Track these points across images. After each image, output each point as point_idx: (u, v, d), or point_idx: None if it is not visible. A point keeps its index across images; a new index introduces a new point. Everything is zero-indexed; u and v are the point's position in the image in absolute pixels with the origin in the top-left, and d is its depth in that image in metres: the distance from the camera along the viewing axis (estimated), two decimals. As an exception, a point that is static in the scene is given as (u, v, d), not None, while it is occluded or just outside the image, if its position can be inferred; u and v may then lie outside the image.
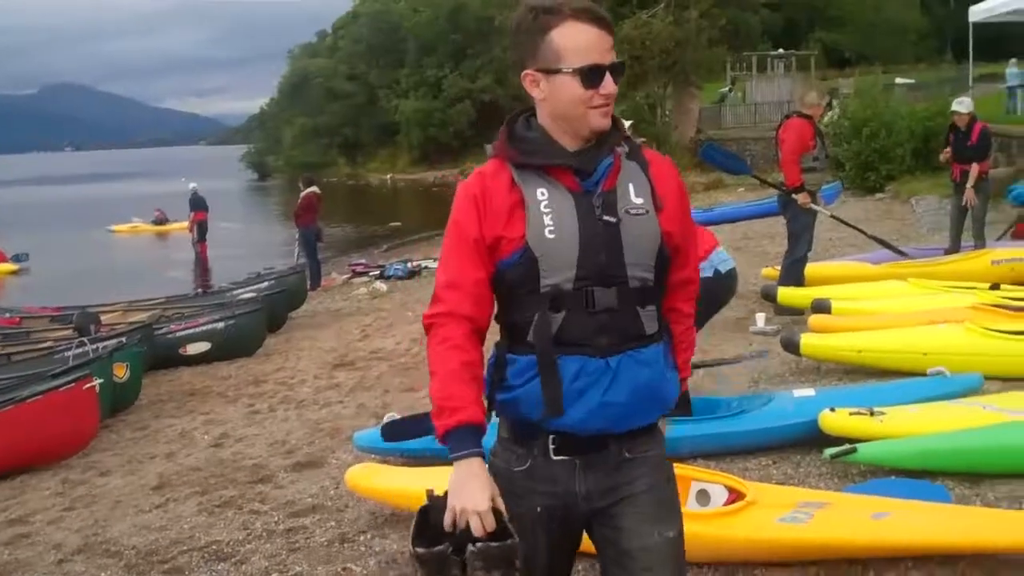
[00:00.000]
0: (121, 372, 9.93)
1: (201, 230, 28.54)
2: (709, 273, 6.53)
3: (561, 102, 2.50)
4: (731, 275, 7.13)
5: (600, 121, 2.49)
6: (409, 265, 20.04)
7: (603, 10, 2.51)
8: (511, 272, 2.48)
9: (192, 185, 29.49)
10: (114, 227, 39.06)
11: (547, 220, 2.45)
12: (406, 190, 57.89)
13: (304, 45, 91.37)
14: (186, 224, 30.07)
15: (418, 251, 24.75)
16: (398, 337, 12.05)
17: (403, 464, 6.08)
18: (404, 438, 5.98)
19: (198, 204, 28.68)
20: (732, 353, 8.14)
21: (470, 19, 64.61)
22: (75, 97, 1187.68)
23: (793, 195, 9.81)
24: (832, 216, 11.92)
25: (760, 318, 9.09)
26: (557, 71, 2.48)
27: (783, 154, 9.91)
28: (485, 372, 2.54)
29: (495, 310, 2.57)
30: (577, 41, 2.45)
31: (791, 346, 7.30)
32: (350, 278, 20.27)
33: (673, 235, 2.56)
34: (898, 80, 42.34)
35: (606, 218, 2.47)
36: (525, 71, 2.57)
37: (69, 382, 8.52)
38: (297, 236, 20.16)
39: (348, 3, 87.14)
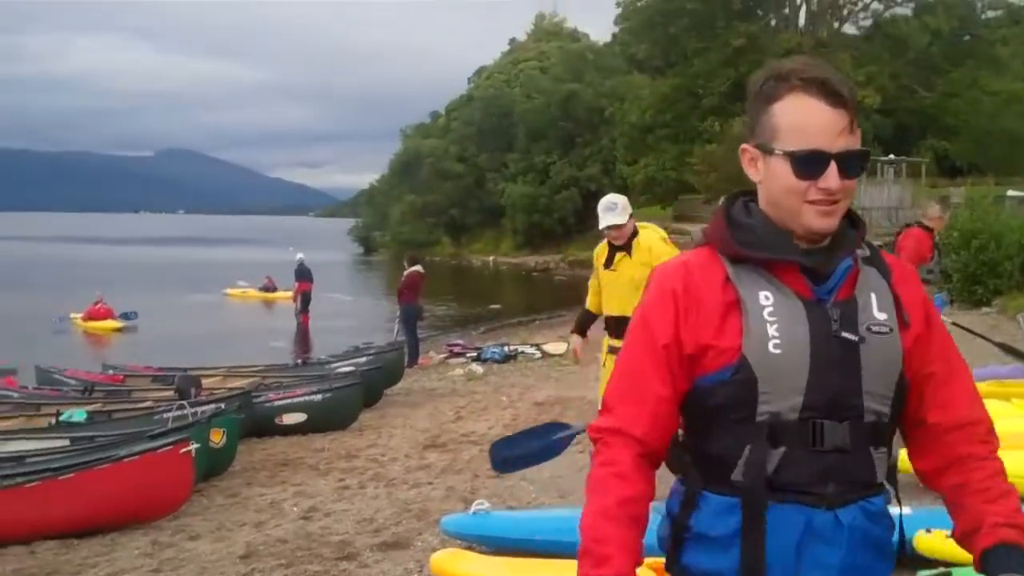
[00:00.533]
0: (218, 437, 10.04)
1: (305, 300, 29.08)
2: None
3: (773, 191, 2.06)
4: None
5: (818, 221, 2.02)
6: (506, 349, 20.05)
7: (848, 83, 2.05)
8: (718, 392, 2.02)
9: (299, 255, 30.08)
10: (228, 290, 39.91)
11: (772, 331, 1.99)
12: (508, 273, 58.22)
13: (417, 125, 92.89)
14: (291, 293, 30.70)
15: (516, 335, 24.81)
16: (491, 421, 12.05)
17: (490, 553, 6.05)
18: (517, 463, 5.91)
19: (303, 274, 29.26)
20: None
21: (581, 108, 65.32)
22: (188, 162, 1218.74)
23: None
24: (953, 324, 11.68)
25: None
26: (771, 151, 2.04)
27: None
28: (666, 512, 2.14)
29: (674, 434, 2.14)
30: (798, 118, 2.00)
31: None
32: (447, 358, 20.36)
33: (916, 360, 2.09)
34: (1010, 192, 41.70)
35: (845, 335, 2.00)
36: (743, 145, 2.13)
37: (167, 444, 8.64)
38: (398, 313, 20.36)
39: (463, 86, 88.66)
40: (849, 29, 41.06)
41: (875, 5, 41.14)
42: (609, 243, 7.25)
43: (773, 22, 40.93)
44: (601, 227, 7.16)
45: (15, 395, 14.96)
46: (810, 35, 38.63)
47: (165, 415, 11.00)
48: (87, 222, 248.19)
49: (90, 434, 11.04)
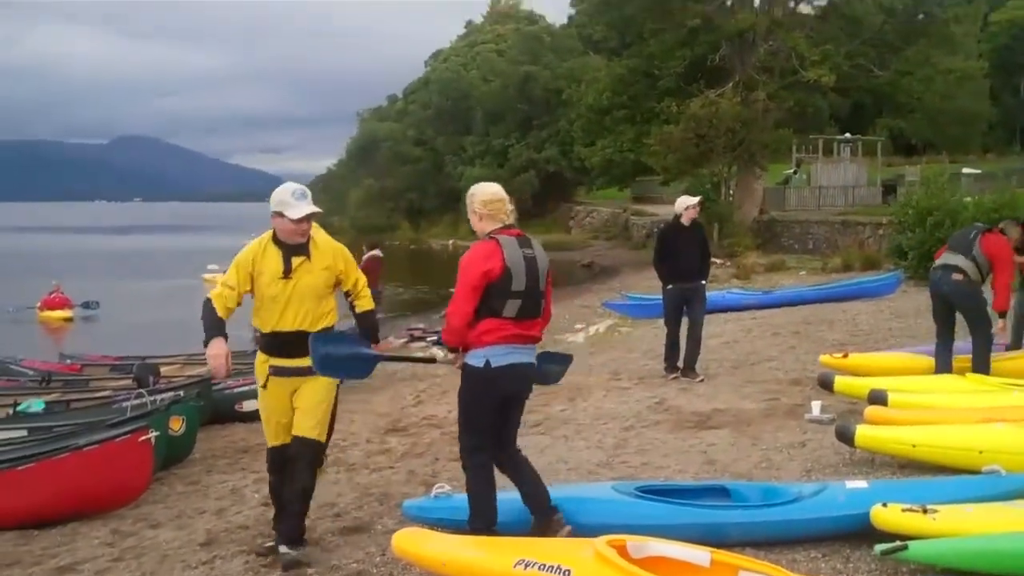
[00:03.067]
0: (177, 425, 10.02)
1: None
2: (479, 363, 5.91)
3: None
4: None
5: None
6: (466, 332, 20.00)
7: None
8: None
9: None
10: (206, 276, 39.69)
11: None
12: (467, 256, 58.13)
13: (374, 109, 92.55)
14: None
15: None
16: (451, 405, 12.00)
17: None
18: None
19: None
20: (787, 440, 8.13)
21: (538, 90, 65.38)
22: (145, 149, 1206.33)
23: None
24: None
25: (816, 406, 9.02)
26: None
27: (1005, 278, 9.72)
28: None
29: None
30: None
31: (846, 437, 7.22)
32: (407, 342, 20.35)
33: None
34: (965, 170, 42.20)
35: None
36: None
37: (125, 433, 8.60)
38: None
39: (420, 70, 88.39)
40: (804, 9, 41.11)
41: (830, -16, 41.27)
42: (280, 243, 6.26)
43: (728, 2, 40.93)
44: (296, 218, 6.14)
45: (-29, 386, 14.83)
46: (765, 15, 38.63)
47: (124, 404, 10.96)
48: (42, 211, 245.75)
49: (48, 424, 10.98)
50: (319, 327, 6.28)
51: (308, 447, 6.26)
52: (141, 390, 11.53)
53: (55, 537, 8.02)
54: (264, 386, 6.38)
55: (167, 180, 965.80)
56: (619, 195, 61.14)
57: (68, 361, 17.18)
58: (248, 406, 12.91)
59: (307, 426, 6.25)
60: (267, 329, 6.30)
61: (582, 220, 61.35)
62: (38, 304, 29.73)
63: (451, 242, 66.21)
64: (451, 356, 6.12)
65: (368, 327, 6.79)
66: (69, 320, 29.38)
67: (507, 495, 6.07)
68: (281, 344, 6.26)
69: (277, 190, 6.32)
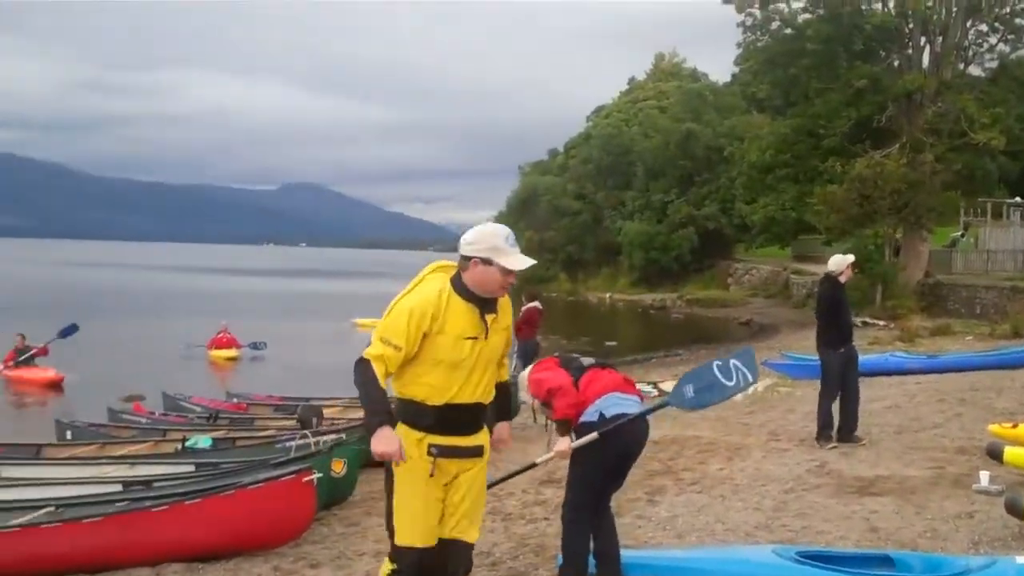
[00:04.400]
0: (339, 467, 10.21)
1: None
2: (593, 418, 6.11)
3: None
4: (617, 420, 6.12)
5: None
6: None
7: None
8: None
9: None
10: (358, 320, 40.85)
11: None
12: (624, 310, 58.06)
13: (535, 162, 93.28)
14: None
15: (631, 373, 24.72)
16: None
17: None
18: None
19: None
20: (954, 510, 7.92)
21: (699, 147, 65.15)
22: (311, 196, 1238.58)
23: None
24: None
25: (984, 476, 8.75)
26: None
27: None
28: None
29: None
30: None
31: (1016, 510, 7.00)
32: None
33: None
34: None
35: None
36: None
37: (289, 473, 8.82)
38: (516, 348, 20.46)
39: (581, 125, 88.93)
40: (974, 71, 40.21)
41: (1001, 47, 40.24)
42: (469, 296, 5.14)
43: (896, 63, 40.27)
44: (515, 269, 5.12)
45: (143, 421, 15.43)
46: (934, 77, 37.89)
47: (287, 444, 11.25)
48: (213, 253, 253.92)
49: (215, 460, 11.32)
50: (491, 397, 5.33)
51: (469, 555, 5.38)
52: (305, 431, 11.82)
53: (219, 571, 8.24)
54: (430, 473, 5.16)
55: (331, 226, 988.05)
56: (779, 253, 60.31)
57: (234, 400, 17.73)
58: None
59: (475, 528, 5.37)
60: (437, 401, 5.06)
61: (741, 277, 60.68)
62: (207, 343, 30.71)
63: (608, 295, 66.16)
64: (559, 446, 6.09)
65: (507, 397, 5.71)
66: (235, 360, 30.28)
67: (672, 552, 6.06)
68: (455, 419, 5.12)
69: (479, 232, 5.21)
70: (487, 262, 5.05)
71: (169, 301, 58.41)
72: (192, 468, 11.00)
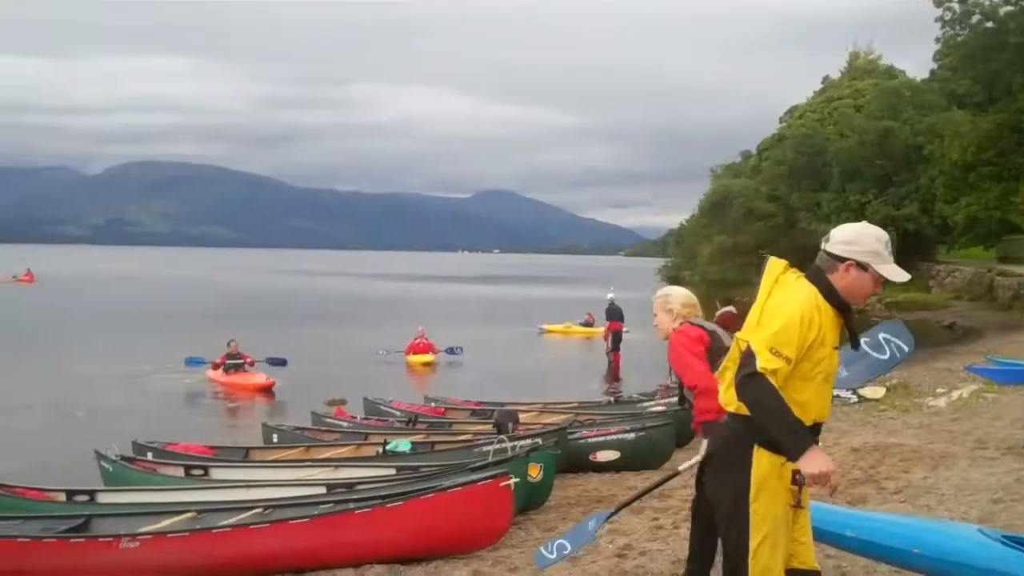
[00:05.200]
0: (535, 472, 10.31)
1: (616, 339, 29.49)
2: None
3: None
4: None
5: None
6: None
7: None
8: None
9: (610, 295, 30.66)
10: (546, 325, 41.26)
11: None
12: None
13: (728, 164, 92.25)
14: (603, 331, 31.44)
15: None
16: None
17: None
18: None
19: (614, 314, 29.76)
20: None
21: (898, 146, 63.26)
22: (505, 202, 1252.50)
23: None
24: None
25: None
26: None
27: None
28: None
29: None
30: None
31: None
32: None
33: None
34: None
35: None
36: None
37: (488, 477, 8.95)
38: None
39: (774, 125, 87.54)
40: None
41: None
42: (842, 305, 4.57)
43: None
44: (894, 280, 4.55)
45: (345, 425, 15.86)
46: None
47: (485, 448, 11.41)
48: (409, 260, 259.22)
49: (414, 464, 11.56)
50: None
51: None
52: (502, 436, 11.97)
53: (420, 574, 8.40)
54: (797, 504, 4.58)
55: (524, 232, 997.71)
56: (983, 255, 58.14)
57: (432, 404, 18.07)
58: (602, 456, 13.16)
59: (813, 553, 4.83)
60: (807, 420, 4.43)
61: (943, 279, 58.69)
62: (405, 348, 31.36)
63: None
64: (705, 450, 5.40)
65: None
66: (431, 364, 30.85)
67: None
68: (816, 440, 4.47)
69: (861, 233, 4.58)
70: (863, 267, 4.48)
71: (368, 307, 59.95)
72: (393, 471, 11.25)
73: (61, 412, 21.53)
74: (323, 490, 10.47)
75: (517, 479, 9.08)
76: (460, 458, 11.45)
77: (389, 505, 8.91)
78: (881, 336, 5.59)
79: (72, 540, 8.95)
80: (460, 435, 14.15)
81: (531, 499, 10.36)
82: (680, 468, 6.60)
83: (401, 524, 8.76)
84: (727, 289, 50.82)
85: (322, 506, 9.58)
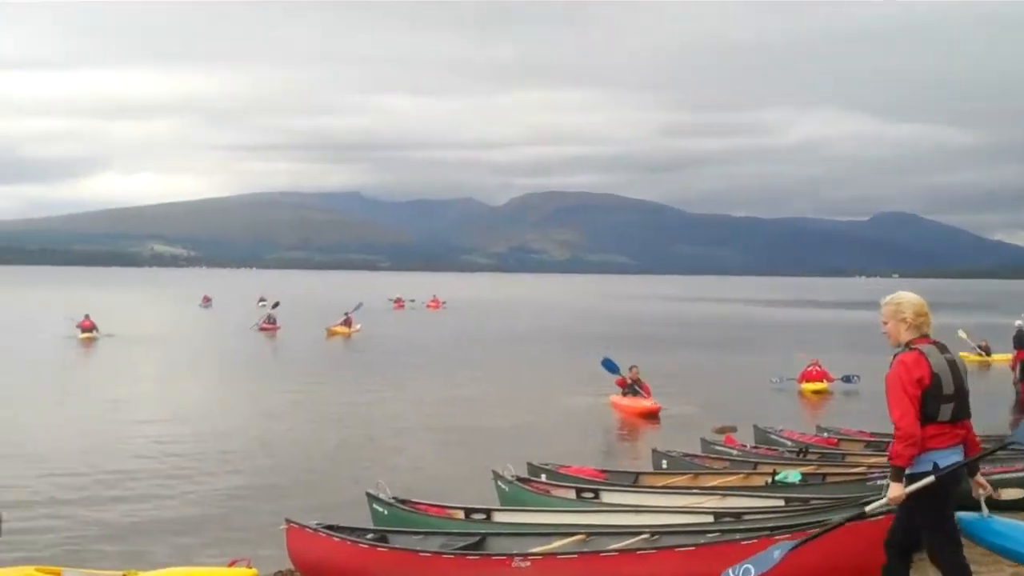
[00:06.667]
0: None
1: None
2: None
3: None
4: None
5: None
6: None
7: None
8: None
9: (1019, 322, 28.91)
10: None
11: None
12: None
13: None
14: (1009, 358, 29.89)
15: None
16: None
17: None
18: None
19: (1022, 342, 28.18)
20: None
21: None
22: (904, 225, 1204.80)
23: None
24: None
25: None
26: None
27: None
28: None
29: None
30: None
31: None
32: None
33: None
34: None
35: None
36: None
37: (881, 514, 8.57)
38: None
39: None
40: None
41: None
42: None
43: None
44: None
45: (734, 453, 15.69)
46: None
47: (879, 482, 10.95)
48: (806, 286, 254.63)
49: (804, 496, 11.27)
50: None
51: None
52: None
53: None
54: None
55: (925, 256, 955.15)
56: None
57: (825, 434, 17.57)
58: (1007, 495, 12.34)
59: None
60: None
61: None
62: (798, 376, 30.74)
63: None
64: (892, 492, 6.33)
65: None
66: (823, 392, 30.03)
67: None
68: None
69: None
70: None
71: (761, 333, 59.33)
72: (781, 503, 11.02)
73: (459, 431, 22.63)
74: (710, 518, 10.40)
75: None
76: (853, 491, 11.06)
77: (777, 538, 8.69)
78: None
79: (468, 557, 9.33)
80: (854, 467, 13.64)
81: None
82: (867, 509, 7.55)
83: (789, 559, 8.52)
84: None
85: (709, 535, 9.47)
